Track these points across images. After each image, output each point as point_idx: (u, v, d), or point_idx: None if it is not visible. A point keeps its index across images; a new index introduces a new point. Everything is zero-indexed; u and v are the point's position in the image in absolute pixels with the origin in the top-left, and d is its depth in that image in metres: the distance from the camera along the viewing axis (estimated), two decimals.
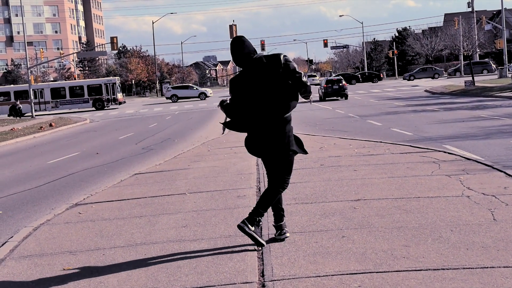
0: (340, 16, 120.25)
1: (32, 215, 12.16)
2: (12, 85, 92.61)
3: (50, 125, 45.19)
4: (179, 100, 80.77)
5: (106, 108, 73.32)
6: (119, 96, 75.81)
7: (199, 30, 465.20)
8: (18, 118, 62.58)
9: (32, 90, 70.98)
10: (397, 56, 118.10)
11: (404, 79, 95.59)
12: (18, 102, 66.51)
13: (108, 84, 74.20)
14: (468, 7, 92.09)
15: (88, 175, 17.54)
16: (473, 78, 55.37)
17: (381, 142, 17.94)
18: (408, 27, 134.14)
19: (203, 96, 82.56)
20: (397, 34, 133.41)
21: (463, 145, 17.23)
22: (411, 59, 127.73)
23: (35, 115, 63.21)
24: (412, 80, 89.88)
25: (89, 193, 13.39)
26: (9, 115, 68.49)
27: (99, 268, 7.35)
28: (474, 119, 25.45)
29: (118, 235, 8.96)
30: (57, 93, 73.82)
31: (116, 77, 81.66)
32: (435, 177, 11.45)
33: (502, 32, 77.98)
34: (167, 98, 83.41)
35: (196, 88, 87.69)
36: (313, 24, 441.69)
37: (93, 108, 73.41)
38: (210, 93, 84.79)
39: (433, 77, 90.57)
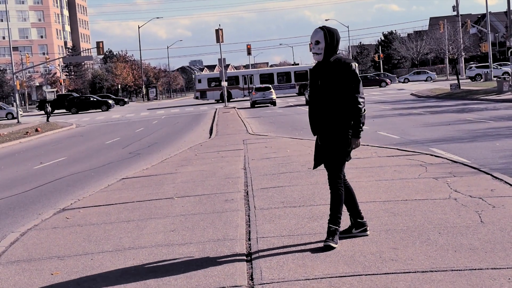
0: (326, 20, 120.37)
1: (19, 220, 12.10)
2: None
3: (36, 130, 45.01)
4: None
5: None
6: None
7: (184, 35, 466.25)
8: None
9: (242, 76, 75.43)
10: (383, 59, 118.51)
11: None
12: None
13: None
14: (453, 11, 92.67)
15: (75, 180, 17.48)
16: (458, 82, 55.61)
17: (368, 145, 17.97)
18: (394, 31, 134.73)
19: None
20: (383, 38, 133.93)
21: (450, 148, 17.30)
22: (397, 63, 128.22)
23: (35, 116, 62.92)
24: None
25: (76, 198, 13.35)
26: (217, 101, 73.44)
27: (87, 273, 7.33)
28: (460, 122, 25.56)
29: (106, 239, 8.94)
30: (265, 79, 75.24)
31: None
32: (423, 180, 11.49)
33: (487, 36, 78.41)
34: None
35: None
36: (297, 28, 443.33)
37: (295, 94, 75.02)
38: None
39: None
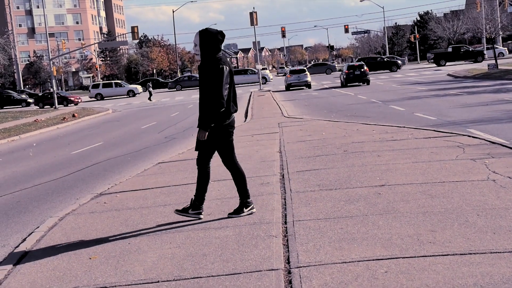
0: (361, 1, 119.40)
1: (57, 205, 12.24)
2: None
3: (73, 115, 45.45)
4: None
5: None
6: None
7: (217, 19, 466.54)
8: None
9: None
10: (419, 40, 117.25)
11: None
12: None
13: None
14: None
15: (112, 164, 17.62)
16: (496, 61, 54.86)
17: (404, 127, 17.83)
18: (430, 11, 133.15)
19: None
20: (418, 18, 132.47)
21: (488, 128, 17.08)
22: (433, 43, 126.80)
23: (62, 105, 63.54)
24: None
25: (113, 182, 13.45)
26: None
27: (125, 257, 7.38)
28: (498, 102, 25.21)
29: (143, 224, 8.99)
30: None
31: None
32: (460, 162, 11.36)
33: None
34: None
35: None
36: (330, 10, 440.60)
37: None
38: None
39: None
